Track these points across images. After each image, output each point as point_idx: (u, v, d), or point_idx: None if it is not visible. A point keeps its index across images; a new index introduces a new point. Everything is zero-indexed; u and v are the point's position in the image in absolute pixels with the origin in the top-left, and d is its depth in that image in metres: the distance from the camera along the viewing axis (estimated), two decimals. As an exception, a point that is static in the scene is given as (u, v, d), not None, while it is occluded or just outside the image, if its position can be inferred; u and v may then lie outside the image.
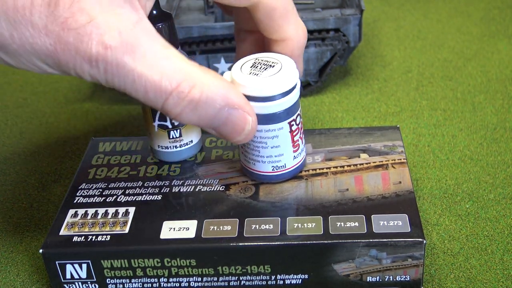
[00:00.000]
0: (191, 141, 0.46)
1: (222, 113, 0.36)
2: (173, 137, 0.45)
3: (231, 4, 0.38)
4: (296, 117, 0.41)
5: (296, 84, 0.41)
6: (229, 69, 0.42)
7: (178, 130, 0.45)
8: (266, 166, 0.42)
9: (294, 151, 0.42)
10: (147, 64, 0.32)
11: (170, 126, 0.45)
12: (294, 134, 0.42)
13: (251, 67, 0.40)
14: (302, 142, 0.43)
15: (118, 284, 0.41)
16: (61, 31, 0.31)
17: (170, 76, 0.33)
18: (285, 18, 0.38)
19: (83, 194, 0.45)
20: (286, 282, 0.41)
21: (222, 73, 0.62)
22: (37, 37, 0.31)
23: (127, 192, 0.44)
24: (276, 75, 0.39)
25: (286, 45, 0.40)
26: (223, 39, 0.61)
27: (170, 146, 0.46)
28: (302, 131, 0.43)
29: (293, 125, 0.41)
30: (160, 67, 0.33)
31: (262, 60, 0.40)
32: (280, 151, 0.42)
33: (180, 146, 0.46)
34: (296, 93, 0.41)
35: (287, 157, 0.42)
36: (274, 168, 0.42)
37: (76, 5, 0.31)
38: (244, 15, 0.42)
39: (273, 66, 0.40)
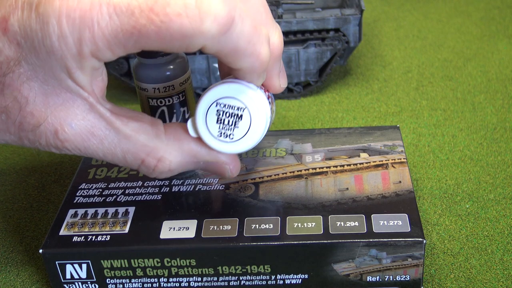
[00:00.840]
0: None
1: (198, 166, 0.38)
2: None
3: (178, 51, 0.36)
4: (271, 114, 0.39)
5: (266, 122, 0.38)
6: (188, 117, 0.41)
7: None
8: None
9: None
10: (106, 147, 0.35)
11: None
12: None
13: (217, 122, 0.37)
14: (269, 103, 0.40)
15: (118, 284, 0.41)
16: (20, 132, 0.34)
17: (133, 154, 0.36)
18: (234, 57, 0.34)
19: (83, 194, 0.45)
20: (286, 282, 0.41)
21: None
22: (4, 135, 0.35)
23: (127, 192, 0.44)
24: (249, 134, 0.37)
25: (242, 73, 0.36)
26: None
27: None
28: (270, 99, 0.40)
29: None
30: (120, 147, 0.35)
31: (226, 108, 0.37)
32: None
33: None
34: (267, 125, 0.38)
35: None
36: None
37: (26, 110, 0.33)
38: None
39: (241, 117, 0.37)
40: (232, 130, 0.37)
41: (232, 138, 0.37)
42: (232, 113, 0.37)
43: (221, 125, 0.37)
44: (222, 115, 0.37)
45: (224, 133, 0.37)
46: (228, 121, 0.37)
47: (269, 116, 0.38)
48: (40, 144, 0.35)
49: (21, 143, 0.35)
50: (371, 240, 0.39)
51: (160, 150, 0.36)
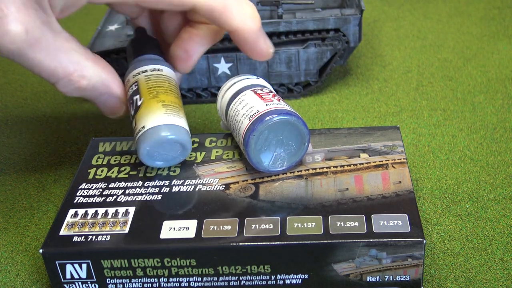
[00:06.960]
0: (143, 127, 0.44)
1: (102, 98, 0.44)
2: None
3: (171, 9, 0.43)
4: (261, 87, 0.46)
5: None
6: None
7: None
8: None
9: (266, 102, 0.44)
10: (46, 56, 0.40)
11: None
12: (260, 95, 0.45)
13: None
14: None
15: (118, 284, 0.41)
16: None
17: (64, 66, 0.41)
18: (225, 14, 0.42)
19: (83, 194, 0.45)
20: (286, 282, 0.41)
21: (222, 73, 0.62)
22: None
23: (127, 192, 0.44)
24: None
25: (236, 35, 0.43)
26: (223, 39, 0.61)
27: None
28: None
29: (257, 90, 0.45)
30: (57, 59, 0.41)
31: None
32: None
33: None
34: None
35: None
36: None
37: None
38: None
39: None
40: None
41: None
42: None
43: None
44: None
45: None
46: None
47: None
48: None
49: None
50: (371, 240, 0.39)
51: (88, 69, 0.42)
